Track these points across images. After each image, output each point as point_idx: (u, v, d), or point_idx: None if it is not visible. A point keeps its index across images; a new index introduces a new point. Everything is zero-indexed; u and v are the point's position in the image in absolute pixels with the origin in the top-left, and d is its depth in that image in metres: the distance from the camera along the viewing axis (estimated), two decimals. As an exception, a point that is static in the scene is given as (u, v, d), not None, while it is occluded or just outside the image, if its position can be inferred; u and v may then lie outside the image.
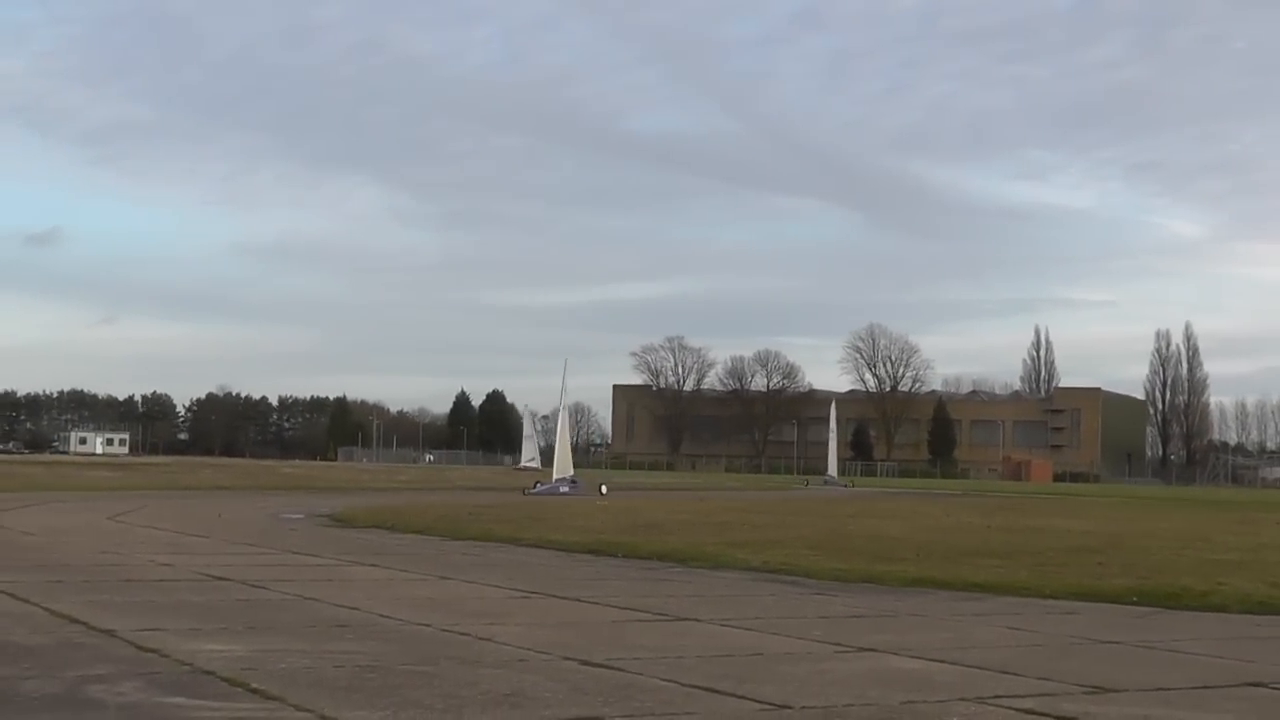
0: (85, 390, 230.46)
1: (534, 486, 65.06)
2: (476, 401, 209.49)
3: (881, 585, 19.93)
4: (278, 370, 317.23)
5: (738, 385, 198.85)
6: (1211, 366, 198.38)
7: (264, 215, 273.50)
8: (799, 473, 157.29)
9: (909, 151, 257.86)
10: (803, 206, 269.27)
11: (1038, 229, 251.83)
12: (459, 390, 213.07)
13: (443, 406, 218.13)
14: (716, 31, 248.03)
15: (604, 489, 68.61)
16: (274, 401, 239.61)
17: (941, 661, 12.12)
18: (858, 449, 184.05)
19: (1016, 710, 9.74)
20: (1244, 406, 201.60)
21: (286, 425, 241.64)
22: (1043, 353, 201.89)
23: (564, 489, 65.09)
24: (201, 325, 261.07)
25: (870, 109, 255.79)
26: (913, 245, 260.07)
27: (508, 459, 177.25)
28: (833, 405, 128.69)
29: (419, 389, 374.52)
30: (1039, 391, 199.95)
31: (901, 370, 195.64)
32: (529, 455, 77.03)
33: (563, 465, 70.49)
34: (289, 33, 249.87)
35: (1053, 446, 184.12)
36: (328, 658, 11.40)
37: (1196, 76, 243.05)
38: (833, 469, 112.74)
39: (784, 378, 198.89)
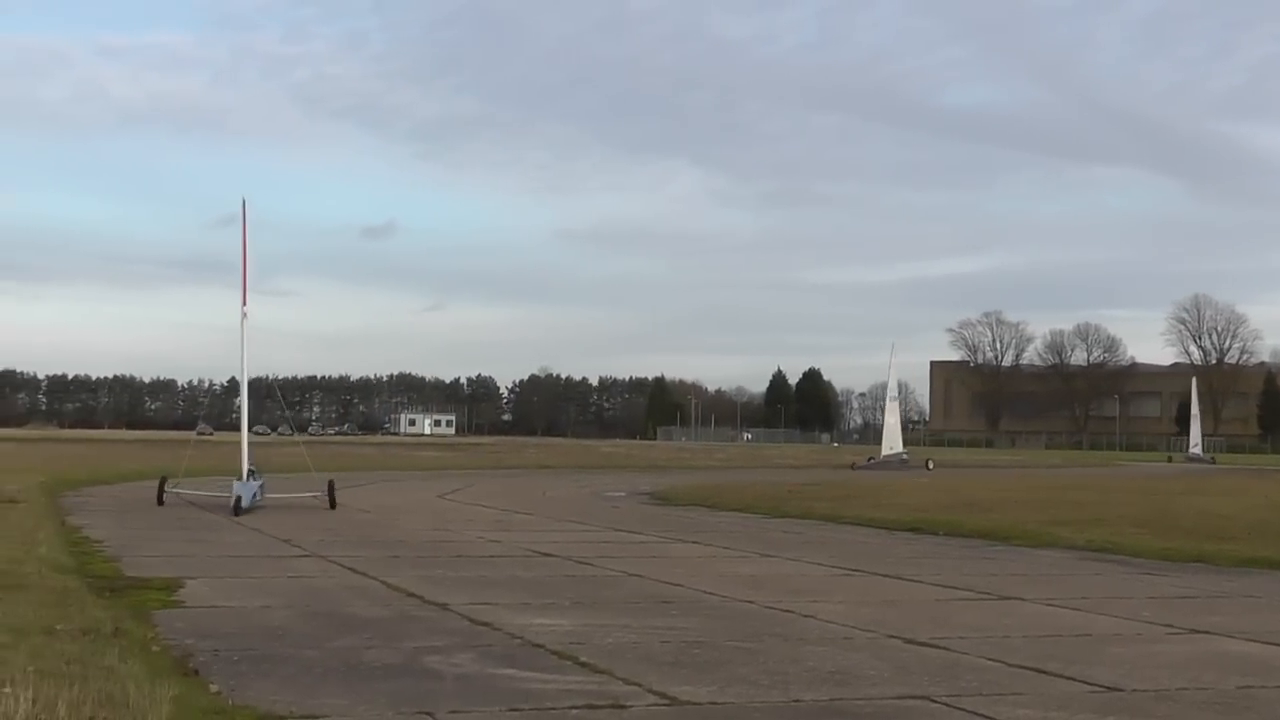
0: (413, 374, 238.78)
1: (865, 461, 68.00)
2: (793, 380, 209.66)
3: (1212, 565, 19.34)
4: (598, 351, 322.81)
5: (1057, 360, 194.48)
6: None
7: (584, 201, 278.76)
8: (1121, 448, 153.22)
9: (1233, 115, 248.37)
10: (1122, 176, 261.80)
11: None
12: (775, 369, 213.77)
13: (759, 385, 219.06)
14: (1029, 1, 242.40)
15: (931, 464, 69.72)
16: (594, 382, 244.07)
17: (1278, 645, 11.71)
18: (1182, 424, 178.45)
19: (1363, 697, 9.37)
20: None
21: (606, 405, 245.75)
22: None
23: (896, 464, 67.96)
24: (524, 309, 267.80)
25: (1191, 72, 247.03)
26: (1238, 212, 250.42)
27: (825, 437, 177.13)
28: (1193, 381, 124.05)
29: (736, 368, 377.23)
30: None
31: (1228, 341, 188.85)
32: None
33: (892, 441, 72.77)
34: (607, 24, 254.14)
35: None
36: (653, 633, 11.62)
37: None
38: (1196, 445, 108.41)
39: (1105, 351, 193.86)
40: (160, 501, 28.27)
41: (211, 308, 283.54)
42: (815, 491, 37.79)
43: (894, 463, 68.84)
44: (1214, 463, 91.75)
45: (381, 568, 16.56)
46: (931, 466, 67.87)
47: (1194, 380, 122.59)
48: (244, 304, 22.16)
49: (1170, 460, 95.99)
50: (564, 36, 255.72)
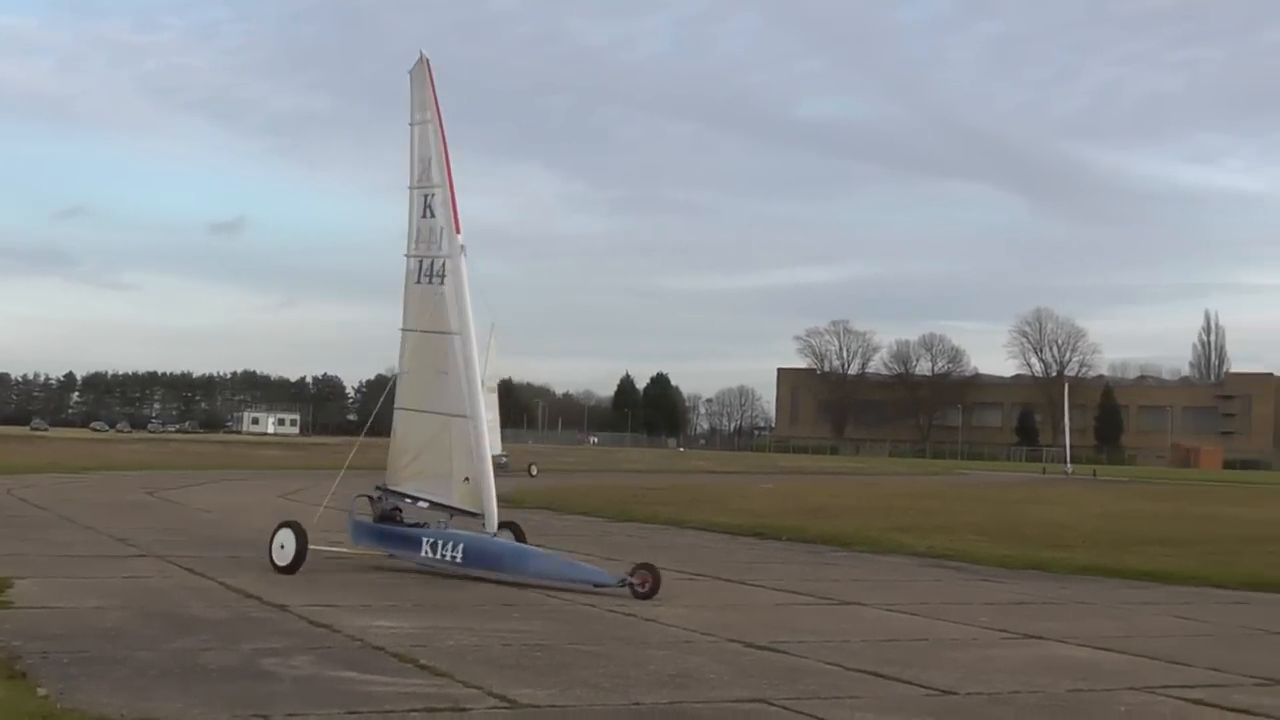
0: (259, 372, 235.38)
1: None
2: (641, 384, 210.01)
3: (1049, 572, 19.73)
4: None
5: (902, 369, 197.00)
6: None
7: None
8: (964, 457, 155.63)
9: (1077, 136, 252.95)
10: (970, 191, 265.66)
11: (1208, 213, 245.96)
12: (624, 373, 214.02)
13: (608, 389, 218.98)
14: (883, 18, 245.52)
15: (534, 469, 60.90)
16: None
17: (1109, 650, 11.98)
18: (1023, 434, 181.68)
19: (1185, 701, 9.61)
20: None
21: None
22: (1213, 338, 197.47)
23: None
24: (374, 308, 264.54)
25: (1038, 94, 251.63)
26: (1081, 230, 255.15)
27: (672, 441, 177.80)
28: (1065, 390, 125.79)
29: (585, 372, 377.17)
30: (1209, 377, 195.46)
31: (1068, 355, 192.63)
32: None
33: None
34: (466, 25, 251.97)
35: (1222, 433, 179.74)
36: (496, 636, 11.58)
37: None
38: (1069, 458, 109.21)
39: (949, 362, 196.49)
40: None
41: (50, 301, 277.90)
42: (661, 496, 37.92)
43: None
44: (1095, 476, 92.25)
45: (221, 568, 16.32)
46: (535, 472, 59.27)
47: (1066, 390, 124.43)
48: (457, 230, 16.21)
49: (1044, 472, 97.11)
50: (421, 36, 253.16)
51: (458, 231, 16.80)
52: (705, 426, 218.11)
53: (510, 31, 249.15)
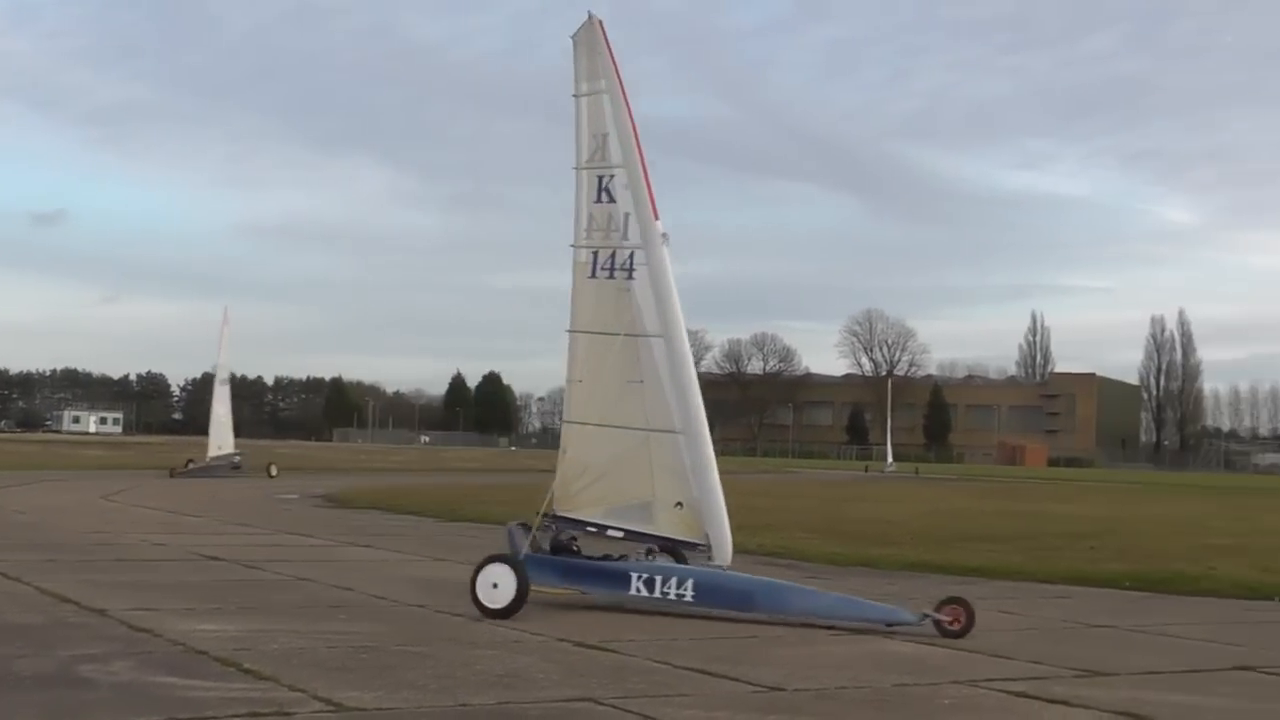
0: (80, 369, 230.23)
1: (185, 466, 53.80)
2: (473, 383, 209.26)
3: (877, 569, 19.97)
4: (275, 350, 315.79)
5: (734, 368, 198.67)
6: (1205, 353, 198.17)
7: (267, 197, 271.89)
8: (795, 456, 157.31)
9: (909, 139, 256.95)
10: (803, 192, 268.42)
11: (1035, 216, 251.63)
12: (456, 372, 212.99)
13: (439, 388, 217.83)
14: (719, 19, 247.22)
15: (274, 470, 56.05)
16: (269, 381, 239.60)
17: (934, 645, 12.14)
18: (853, 433, 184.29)
19: (1008, 693, 9.77)
20: (1237, 392, 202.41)
21: (282, 405, 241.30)
22: (1039, 338, 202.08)
23: (225, 468, 54.11)
24: (200, 304, 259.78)
25: (872, 97, 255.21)
26: (912, 231, 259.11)
27: (503, 440, 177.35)
28: (889, 388, 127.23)
29: (416, 370, 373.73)
30: (1034, 377, 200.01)
31: (898, 355, 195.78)
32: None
33: (221, 439, 56.15)
34: (295, 16, 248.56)
35: (1047, 432, 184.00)
36: (322, 638, 11.42)
37: (1189, 68, 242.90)
38: (890, 456, 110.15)
39: (781, 361, 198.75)
40: None
41: None
42: (492, 495, 37.78)
43: (222, 467, 53.79)
44: (917, 474, 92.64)
45: (36, 572, 15.88)
46: (275, 472, 55.01)
47: (889, 394, 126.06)
48: (655, 217, 13.67)
49: (867, 470, 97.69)
50: (249, 27, 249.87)
51: (655, 218, 14.51)
52: (537, 425, 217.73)
53: (340, 24, 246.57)
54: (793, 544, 22.98)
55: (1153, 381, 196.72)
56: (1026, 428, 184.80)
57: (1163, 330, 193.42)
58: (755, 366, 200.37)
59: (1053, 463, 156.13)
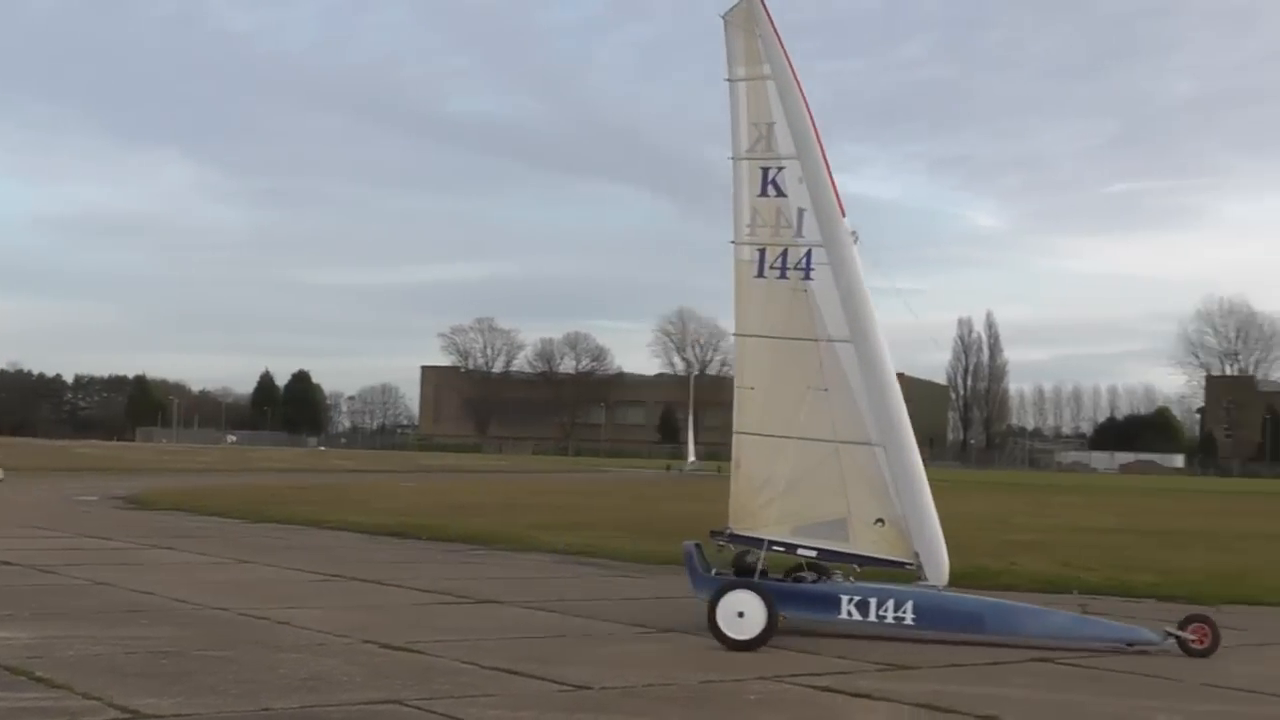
0: None
1: None
2: (281, 382, 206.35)
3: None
4: (75, 347, 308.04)
5: (547, 368, 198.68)
6: (1011, 354, 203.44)
7: (68, 188, 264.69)
8: (607, 455, 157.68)
9: (723, 141, 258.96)
10: (617, 192, 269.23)
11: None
12: (264, 370, 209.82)
13: (247, 387, 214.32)
14: (534, 17, 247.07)
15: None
16: (69, 379, 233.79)
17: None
18: (665, 432, 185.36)
19: (813, 688, 9.87)
20: (1041, 392, 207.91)
21: (82, 404, 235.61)
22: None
23: None
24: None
25: (686, 98, 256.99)
26: (725, 232, 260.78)
27: (313, 440, 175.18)
28: (691, 386, 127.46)
29: (223, 368, 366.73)
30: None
31: (710, 354, 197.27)
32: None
33: None
34: (100, 1, 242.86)
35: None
36: (120, 643, 11.13)
37: (997, 77, 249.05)
38: (693, 454, 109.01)
39: (593, 360, 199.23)
40: None
41: None
42: (300, 495, 37.29)
43: None
44: (719, 473, 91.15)
45: None
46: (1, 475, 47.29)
47: (691, 392, 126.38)
48: (843, 213, 13.03)
49: (669, 469, 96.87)
50: (51, 11, 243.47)
51: (843, 214, 13.28)
52: (347, 425, 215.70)
53: (146, 11, 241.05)
54: (603, 543, 23.00)
55: (960, 381, 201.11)
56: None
57: (970, 332, 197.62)
58: (568, 365, 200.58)
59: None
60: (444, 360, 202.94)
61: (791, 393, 13.15)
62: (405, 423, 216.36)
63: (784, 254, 13.42)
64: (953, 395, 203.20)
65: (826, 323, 13.15)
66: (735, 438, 13.66)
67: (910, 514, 12.81)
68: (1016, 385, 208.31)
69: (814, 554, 13.06)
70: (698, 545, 13.44)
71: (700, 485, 59.85)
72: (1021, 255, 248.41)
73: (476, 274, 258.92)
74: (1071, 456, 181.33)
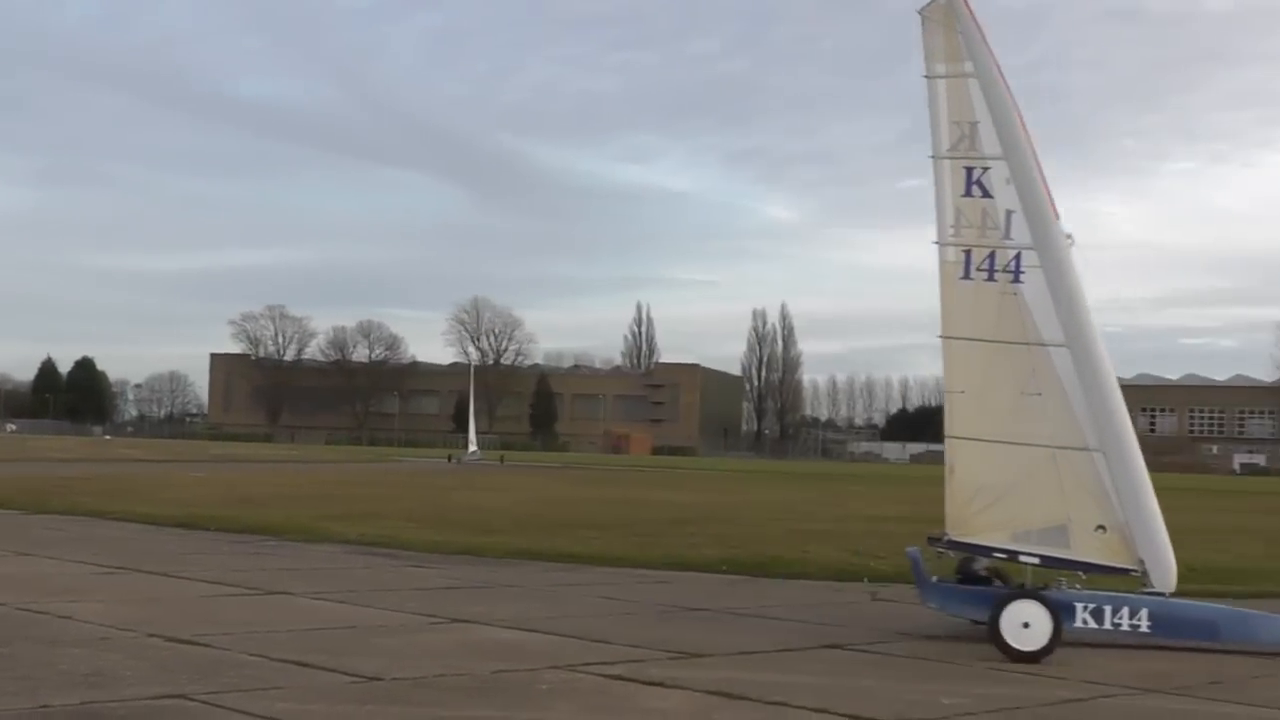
0: None
1: None
2: (64, 368, 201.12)
3: (479, 557, 19.98)
4: None
5: (340, 356, 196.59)
6: (805, 345, 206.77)
7: None
8: (402, 445, 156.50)
9: (518, 131, 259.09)
10: (411, 180, 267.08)
11: (643, 210, 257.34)
12: (45, 356, 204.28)
13: (27, 374, 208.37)
14: (327, 1, 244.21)
15: None
16: None
17: (535, 631, 12.22)
18: (459, 421, 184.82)
19: (605, 677, 9.90)
20: (834, 384, 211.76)
21: None
22: (644, 329, 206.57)
23: None
24: None
25: (480, 87, 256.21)
26: (520, 222, 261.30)
27: (98, 429, 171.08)
28: (471, 375, 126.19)
29: (2, 355, 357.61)
30: (640, 367, 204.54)
31: (505, 343, 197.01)
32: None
33: None
34: None
35: (653, 420, 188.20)
36: (-114, 641, 10.72)
37: (790, 72, 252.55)
38: (474, 443, 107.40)
39: (387, 349, 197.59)
40: None
41: None
42: (83, 486, 36.36)
43: None
44: (502, 462, 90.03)
45: None
46: None
47: (471, 380, 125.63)
48: (1055, 215, 12.74)
49: (450, 459, 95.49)
50: None
51: (1055, 218, 12.89)
52: (134, 413, 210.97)
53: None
54: (395, 533, 22.83)
55: (754, 373, 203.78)
56: (632, 417, 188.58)
57: (764, 323, 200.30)
58: (361, 354, 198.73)
59: (657, 451, 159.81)
60: (234, 348, 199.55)
61: (1003, 397, 13.00)
62: (195, 411, 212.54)
63: (991, 256, 13.12)
64: (747, 386, 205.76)
65: (1039, 327, 12.90)
66: (948, 442, 13.39)
67: (1134, 520, 12.62)
68: (810, 376, 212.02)
69: (1036, 561, 12.76)
70: (923, 550, 13.14)
71: (489, 476, 59.79)
72: (815, 248, 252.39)
73: (268, 260, 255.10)
74: (864, 447, 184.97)
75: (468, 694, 9.24)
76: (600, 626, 12.59)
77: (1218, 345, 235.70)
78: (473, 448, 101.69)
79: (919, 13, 13.26)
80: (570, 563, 19.36)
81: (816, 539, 23.08)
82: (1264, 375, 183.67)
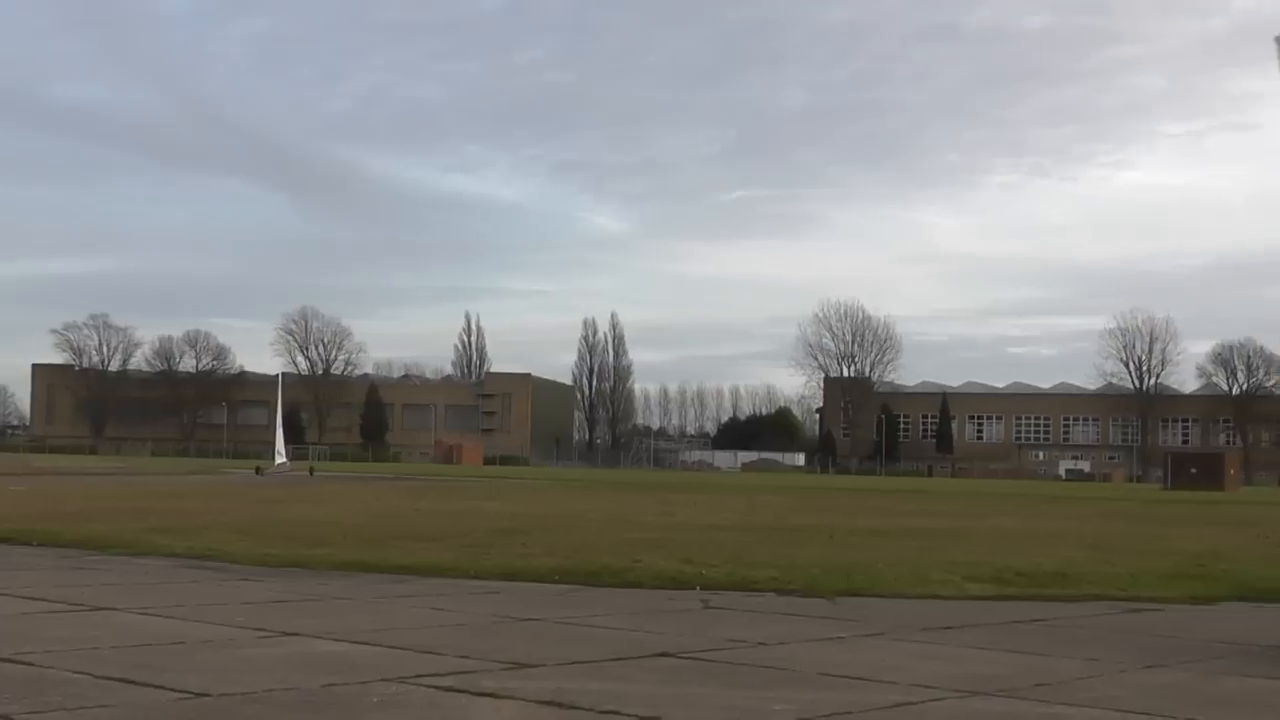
0: None
1: None
2: None
3: (308, 569, 19.78)
4: None
5: (166, 366, 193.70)
6: (635, 355, 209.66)
7: None
8: (230, 456, 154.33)
9: (343, 139, 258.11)
10: (235, 188, 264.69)
11: (471, 220, 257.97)
12: None
13: None
14: (147, 6, 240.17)
15: None
16: None
17: (365, 644, 12.14)
18: (290, 432, 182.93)
19: (436, 688, 9.88)
20: (665, 393, 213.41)
21: None
22: (473, 339, 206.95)
23: None
24: None
25: (303, 95, 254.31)
26: (348, 231, 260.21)
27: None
28: (280, 384, 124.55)
29: None
30: (470, 377, 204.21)
31: (334, 353, 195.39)
32: None
33: None
34: None
35: (484, 430, 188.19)
36: None
37: (615, 84, 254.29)
38: (283, 454, 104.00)
39: (214, 359, 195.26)
40: None
41: None
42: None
43: None
44: (311, 474, 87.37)
45: None
46: None
47: (279, 390, 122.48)
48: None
49: (258, 471, 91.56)
50: None
51: None
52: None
53: None
54: (223, 546, 22.51)
55: (585, 382, 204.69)
56: (463, 426, 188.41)
57: (595, 333, 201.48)
58: (188, 364, 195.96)
59: (489, 461, 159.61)
60: (57, 358, 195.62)
61: None
62: (16, 423, 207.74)
63: None
64: (578, 395, 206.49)
65: None
66: None
67: None
68: (641, 386, 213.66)
69: None
70: None
71: (321, 487, 59.19)
72: (644, 259, 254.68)
73: (91, 269, 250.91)
74: (696, 455, 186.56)
75: (297, 708, 9.17)
76: (431, 638, 12.55)
77: (1040, 354, 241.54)
78: (280, 459, 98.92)
79: (1277, 40, 12.58)
80: (401, 574, 19.25)
81: (647, 548, 23.20)
82: (1087, 383, 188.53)
